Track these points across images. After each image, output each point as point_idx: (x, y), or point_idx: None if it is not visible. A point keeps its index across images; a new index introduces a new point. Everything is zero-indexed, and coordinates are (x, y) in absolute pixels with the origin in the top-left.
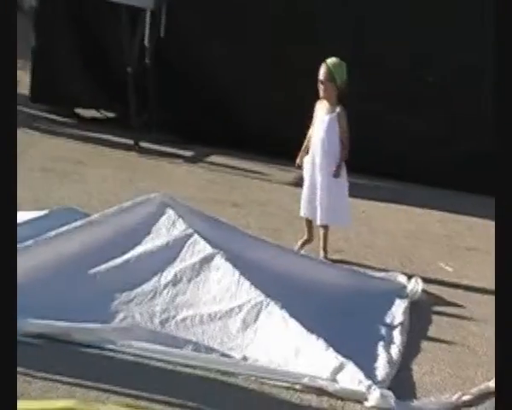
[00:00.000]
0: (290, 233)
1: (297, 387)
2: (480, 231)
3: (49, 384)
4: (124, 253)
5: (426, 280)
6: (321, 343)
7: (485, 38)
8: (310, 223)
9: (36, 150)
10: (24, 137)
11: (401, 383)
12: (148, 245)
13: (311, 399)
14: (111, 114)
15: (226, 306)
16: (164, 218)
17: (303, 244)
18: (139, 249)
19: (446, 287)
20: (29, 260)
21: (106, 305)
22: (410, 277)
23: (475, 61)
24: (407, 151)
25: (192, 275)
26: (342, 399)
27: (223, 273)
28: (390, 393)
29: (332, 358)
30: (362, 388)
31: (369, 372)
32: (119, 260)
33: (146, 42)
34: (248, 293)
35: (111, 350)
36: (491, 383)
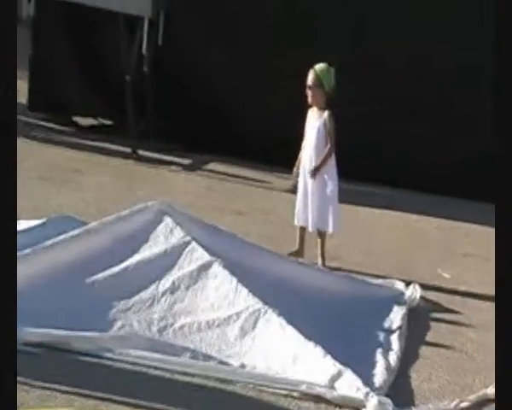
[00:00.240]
0: (289, 241)
1: (295, 394)
2: (478, 238)
3: (47, 393)
4: (122, 261)
5: (424, 287)
6: (319, 350)
7: (485, 39)
8: (303, 231)
9: (34, 159)
10: (22, 145)
11: (399, 390)
12: (145, 253)
13: (309, 406)
14: (109, 122)
15: (224, 313)
16: (162, 225)
17: (291, 255)
18: (137, 257)
19: (444, 293)
20: (27, 269)
21: (104, 313)
22: (408, 283)
23: (475, 62)
24: (404, 157)
25: (190, 283)
26: (340, 406)
27: (221, 281)
28: (388, 400)
29: (330, 365)
30: (360, 395)
31: (367, 379)
32: (116, 269)
33: (144, 50)
34: (246, 300)
35: (109, 359)
36: (490, 390)
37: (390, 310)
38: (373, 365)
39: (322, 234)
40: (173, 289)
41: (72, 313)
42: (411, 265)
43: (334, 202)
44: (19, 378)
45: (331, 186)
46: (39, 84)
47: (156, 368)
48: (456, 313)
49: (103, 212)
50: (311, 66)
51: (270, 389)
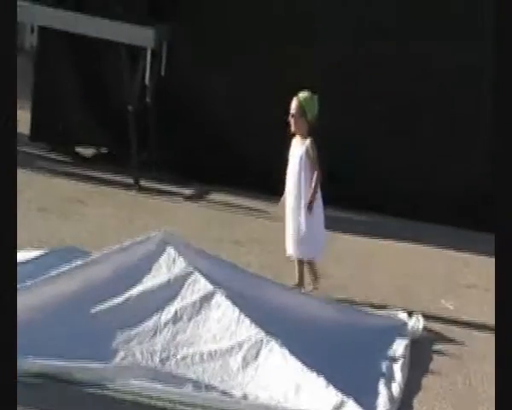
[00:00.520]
0: (290, 271)
1: None
2: (478, 268)
3: None
4: (124, 291)
5: (426, 317)
6: (321, 380)
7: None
8: (301, 263)
9: (35, 190)
10: (23, 176)
11: None
12: (148, 283)
13: None
14: (111, 153)
15: (226, 344)
16: (164, 256)
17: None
18: (139, 288)
19: (447, 324)
20: (29, 300)
21: (106, 344)
22: (410, 314)
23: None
24: (404, 187)
25: (192, 313)
26: None
27: (223, 311)
28: None
29: (332, 395)
30: None
31: None
32: (119, 299)
33: (146, 80)
34: (249, 331)
35: (111, 389)
36: None
37: (393, 341)
38: (376, 395)
39: (309, 262)
40: (176, 320)
41: (74, 343)
42: (414, 295)
43: (320, 229)
44: (20, 408)
45: (316, 214)
46: (41, 115)
47: (158, 399)
48: (460, 343)
49: (105, 242)
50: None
51: None
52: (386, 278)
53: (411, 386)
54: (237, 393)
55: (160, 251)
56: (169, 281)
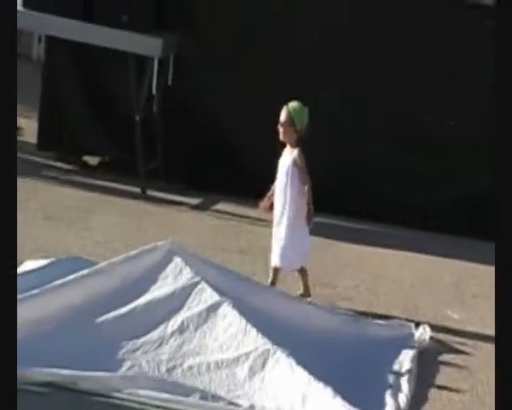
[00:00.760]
0: (297, 281)
1: None
2: (485, 278)
3: None
4: (130, 301)
5: (433, 328)
6: (328, 391)
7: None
8: (303, 273)
9: (42, 199)
10: (30, 185)
11: None
12: (154, 293)
13: None
14: (118, 162)
15: (233, 354)
16: (171, 266)
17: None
18: (146, 298)
19: (454, 334)
20: (35, 309)
21: (112, 354)
22: (417, 324)
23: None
24: (410, 197)
25: (199, 323)
26: None
27: (230, 321)
28: None
29: (339, 406)
30: None
31: None
32: (125, 309)
33: (153, 90)
34: (255, 341)
35: (118, 399)
36: None
37: (399, 351)
38: (382, 406)
39: (299, 272)
40: (182, 330)
41: (80, 353)
42: (420, 306)
43: (304, 240)
44: None
45: (300, 225)
46: (49, 124)
47: (165, 408)
48: (466, 354)
49: (112, 252)
50: (321, 105)
51: None
52: (392, 288)
53: (418, 397)
54: (244, 403)
55: (166, 261)
56: (175, 291)
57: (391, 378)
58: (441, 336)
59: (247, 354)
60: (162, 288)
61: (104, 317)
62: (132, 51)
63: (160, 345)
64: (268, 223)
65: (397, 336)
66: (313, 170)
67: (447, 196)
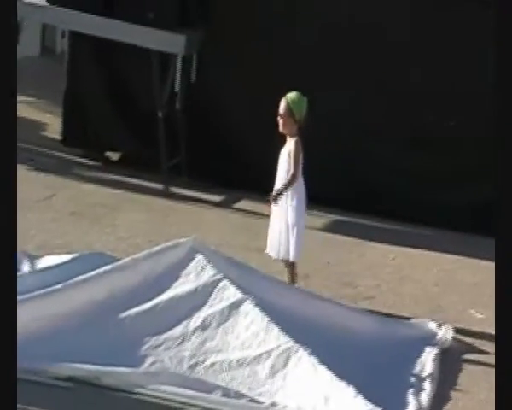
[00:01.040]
0: (318, 279)
1: None
2: None
3: None
4: (153, 297)
5: (456, 328)
6: (350, 390)
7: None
8: (287, 264)
9: (66, 194)
10: (54, 181)
11: None
12: (177, 290)
13: None
14: (141, 159)
15: (255, 351)
16: (193, 263)
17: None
18: (168, 294)
19: (477, 335)
20: (58, 305)
21: (135, 350)
22: (440, 324)
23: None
24: (435, 196)
25: (221, 320)
26: None
27: (251, 319)
28: None
29: (362, 405)
30: None
31: None
32: (148, 305)
33: (176, 87)
34: (277, 339)
35: (141, 394)
36: None
37: (422, 351)
38: (404, 406)
39: (286, 263)
40: (204, 327)
41: (102, 348)
42: (443, 306)
43: (297, 229)
44: None
45: (294, 213)
46: (73, 120)
47: (187, 405)
48: (489, 354)
49: (135, 248)
50: (336, 104)
51: None
52: (414, 288)
53: (440, 398)
54: (266, 401)
55: (189, 258)
56: (197, 288)
57: (413, 378)
58: (464, 335)
59: (269, 352)
60: (184, 285)
61: (127, 313)
62: (156, 48)
63: (183, 342)
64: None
65: (419, 335)
66: (339, 170)
67: (472, 196)
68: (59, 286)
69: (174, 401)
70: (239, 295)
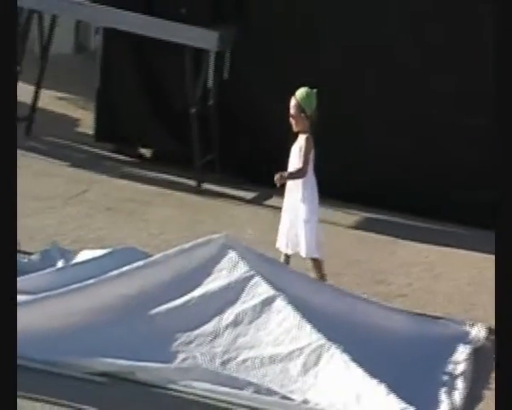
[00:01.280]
0: (350, 277)
1: None
2: None
3: None
4: (185, 293)
5: (489, 327)
6: (382, 388)
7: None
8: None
9: (100, 190)
10: (88, 176)
11: None
12: (209, 286)
13: None
14: (174, 156)
15: (287, 348)
16: (225, 259)
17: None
18: (200, 290)
19: None
20: (91, 300)
21: (167, 345)
22: (473, 323)
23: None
24: (466, 194)
25: (253, 317)
26: None
27: (284, 316)
28: None
29: (394, 403)
30: None
31: None
32: (179, 301)
33: (209, 83)
34: (309, 336)
35: (173, 390)
36: None
37: (454, 350)
38: (437, 404)
39: (311, 261)
40: (236, 323)
41: (134, 344)
42: (476, 304)
43: (309, 225)
44: (84, 407)
45: (305, 209)
46: (106, 116)
47: (220, 401)
48: None
49: (167, 244)
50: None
51: None
52: (447, 287)
53: (473, 396)
54: (298, 398)
55: (221, 254)
56: (230, 284)
57: (446, 377)
58: None
59: (301, 350)
60: (217, 281)
61: (158, 308)
62: (189, 44)
63: (215, 338)
64: (323, 219)
65: (452, 334)
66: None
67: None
68: (92, 281)
69: (206, 398)
70: (271, 291)
